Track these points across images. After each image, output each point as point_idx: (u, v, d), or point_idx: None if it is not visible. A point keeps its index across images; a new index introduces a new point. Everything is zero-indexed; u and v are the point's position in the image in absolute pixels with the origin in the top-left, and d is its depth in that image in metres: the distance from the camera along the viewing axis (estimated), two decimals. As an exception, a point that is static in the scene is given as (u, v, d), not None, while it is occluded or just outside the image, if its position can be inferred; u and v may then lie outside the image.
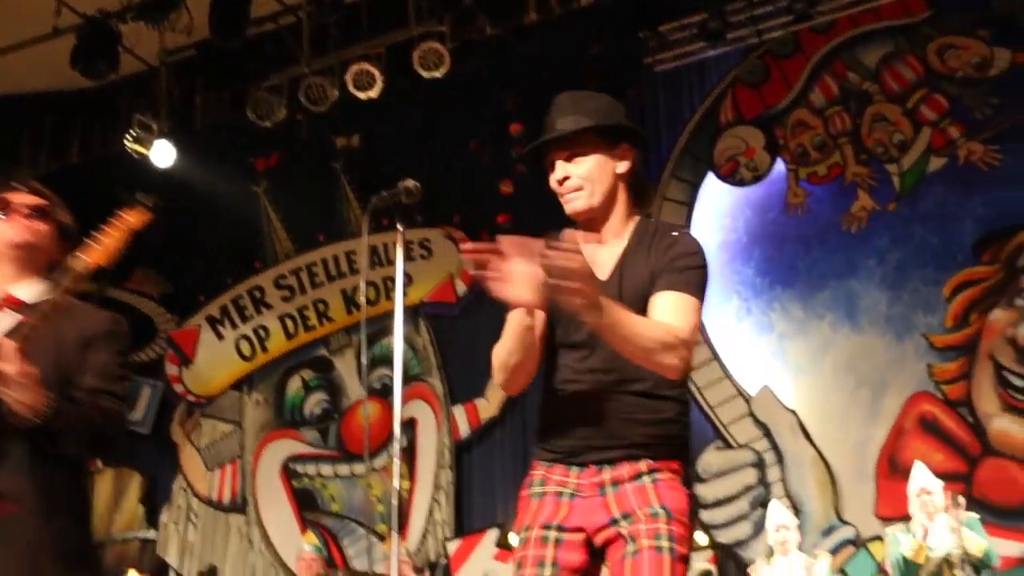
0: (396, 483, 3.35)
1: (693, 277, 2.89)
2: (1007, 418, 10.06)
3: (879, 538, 9.70)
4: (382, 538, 11.70)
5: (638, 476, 2.85)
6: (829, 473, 10.45)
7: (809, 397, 10.81)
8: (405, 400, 11.85)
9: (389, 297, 12.54)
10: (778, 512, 7.86)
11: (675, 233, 2.97)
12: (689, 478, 2.94)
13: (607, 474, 2.86)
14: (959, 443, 10.14)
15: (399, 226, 3.64)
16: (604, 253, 2.99)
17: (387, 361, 12.25)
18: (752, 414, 10.89)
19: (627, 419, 2.87)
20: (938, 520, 7.49)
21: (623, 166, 3.02)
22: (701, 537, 10.36)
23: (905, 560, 7.30)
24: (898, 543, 7.46)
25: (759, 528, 10.26)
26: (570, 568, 2.84)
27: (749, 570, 7.98)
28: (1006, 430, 10.05)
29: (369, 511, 12.09)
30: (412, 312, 12.35)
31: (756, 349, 11.19)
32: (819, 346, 10.94)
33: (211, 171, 12.24)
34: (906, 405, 10.41)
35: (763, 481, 10.66)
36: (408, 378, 12.20)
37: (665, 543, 2.77)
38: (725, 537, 10.62)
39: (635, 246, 2.98)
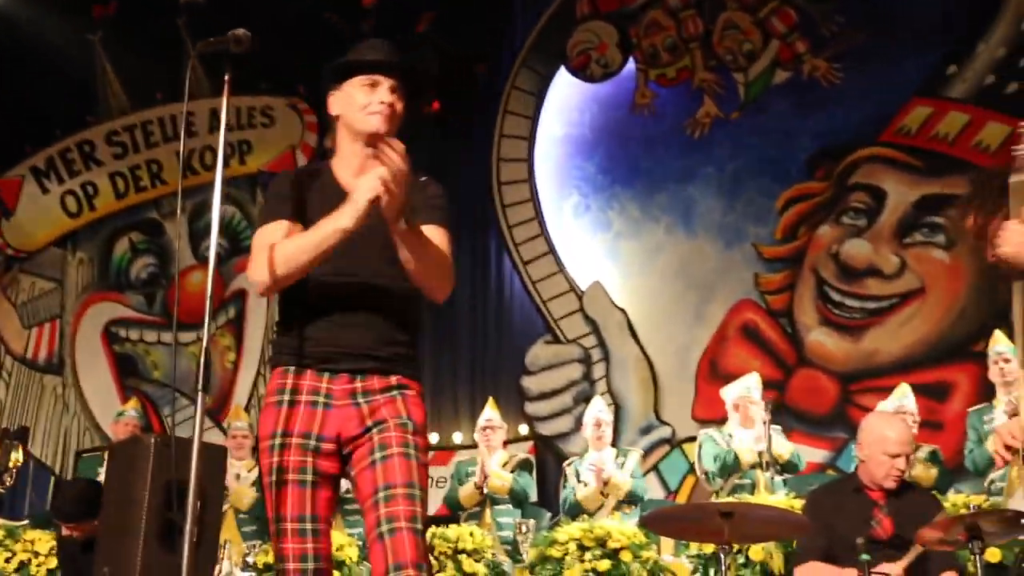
0: (206, 341, 2.93)
1: (447, 216, 2.96)
2: (823, 331, 9.62)
3: (693, 439, 9.07)
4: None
5: (388, 389, 2.83)
6: (652, 373, 9.92)
7: (639, 297, 10.14)
8: (237, 270, 11.16)
9: (227, 163, 11.32)
10: (598, 407, 7.34)
11: (424, 178, 2.97)
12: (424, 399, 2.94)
13: (359, 384, 2.82)
14: (777, 352, 9.71)
15: (226, 76, 2.99)
16: None
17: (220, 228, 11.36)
18: (583, 310, 10.24)
19: (379, 335, 2.84)
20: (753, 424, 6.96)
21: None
22: (524, 428, 9.93)
23: (719, 460, 6.79)
24: (712, 443, 6.91)
25: (581, 423, 9.73)
26: (327, 475, 2.80)
27: (565, 465, 7.34)
28: (821, 342, 9.62)
29: (193, 381, 10.81)
30: (250, 181, 11.30)
31: (591, 246, 10.38)
32: (653, 248, 10.19)
33: (43, 13, 10.64)
34: (730, 312, 9.87)
35: (588, 377, 10.09)
36: (240, 248, 11.06)
37: (412, 451, 2.77)
38: (547, 429, 10.04)
39: None
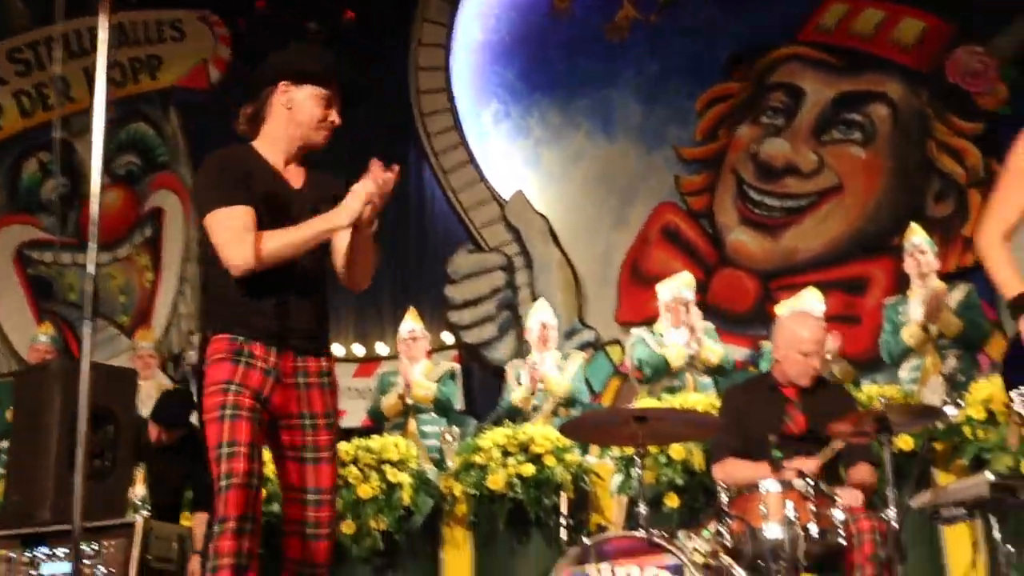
0: (91, 268, 2.99)
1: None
2: (743, 230, 9.63)
3: (617, 341, 9.36)
4: (123, 329, 10.38)
5: (320, 374, 3.04)
6: (575, 278, 9.87)
7: (561, 203, 10.02)
8: (152, 188, 10.85)
9: (138, 80, 10.96)
10: (543, 310, 7.30)
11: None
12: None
13: (300, 363, 3.00)
14: (698, 253, 9.70)
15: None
16: (295, 171, 3.16)
17: (133, 146, 10.99)
18: (504, 218, 10.11)
19: (317, 316, 3.04)
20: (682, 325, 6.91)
21: None
22: (448, 336, 9.88)
23: (648, 363, 6.78)
24: (642, 345, 6.90)
25: (505, 329, 9.82)
26: (259, 440, 2.92)
27: (508, 367, 7.32)
28: (741, 241, 9.64)
29: (111, 302, 10.63)
30: (162, 97, 10.93)
31: (512, 154, 10.19)
32: (573, 154, 10.03)
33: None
34: (652, 215, 9.79)
35: (511, 284, 10.02)
36: (155, 166, 10.78)
37: (335, 452, 3.04)
38: (471, 337, 9.97)
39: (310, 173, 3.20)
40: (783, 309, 6.15)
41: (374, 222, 2.98)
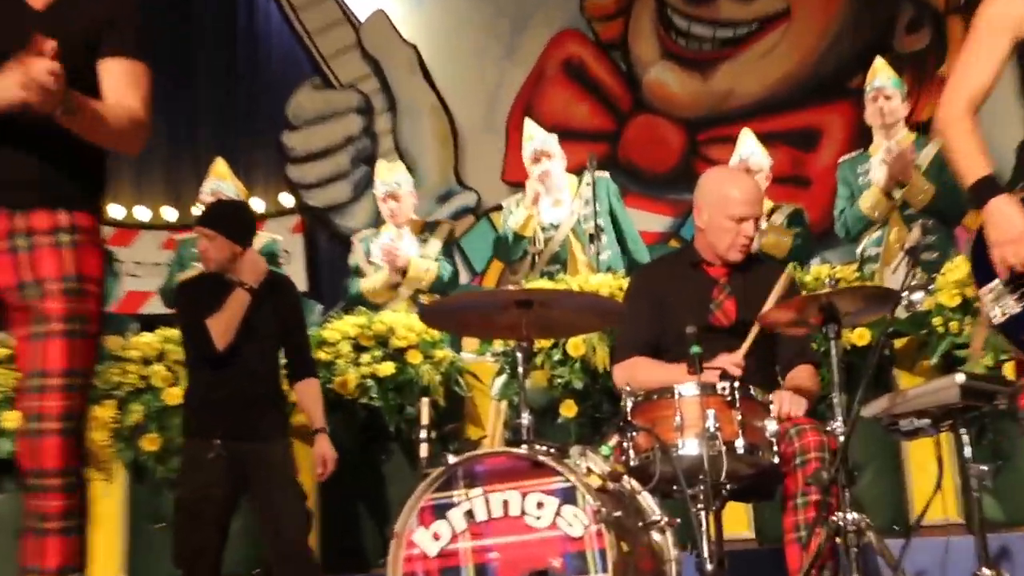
0: None
1: (140, 37, 3.06)
2: (665, 66, 9.73)
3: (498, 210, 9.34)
4: None
5: (56, 231, 2.94)
6: (451, 124, 9.97)
7: (434, 29, 10.04)
8: None
9: None
10: (392, 173, 7.15)
11: None
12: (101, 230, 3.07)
13: (19, 222, 2.92)
14: (608, 94, 9.79)
15: None
16: None
17: None
18: (361, 46, 10.11)
19: (47, 156, 2.93)
20: (557, 184, 6.92)
21: None
22: (286, 198, 9.84)
23: (513, 235, 6.83)
24: (509, 214, 6.97)
25: (361, 190, 9.78)
26: None
27: (355, 239, 7.29)
28: (663, 81, 9.74)
29: None
30: None
31: (370, -39, 10.05)
32: (451, -38, 9.96)
33: None
34: (550, 44, 9.89)
35: (369, 131, 10.10)
36: None
37: (78, 325, 2.93)
38: (317, 199, 10.03)
39: None
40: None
41: (57, 107, 2.78)
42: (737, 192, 4.15)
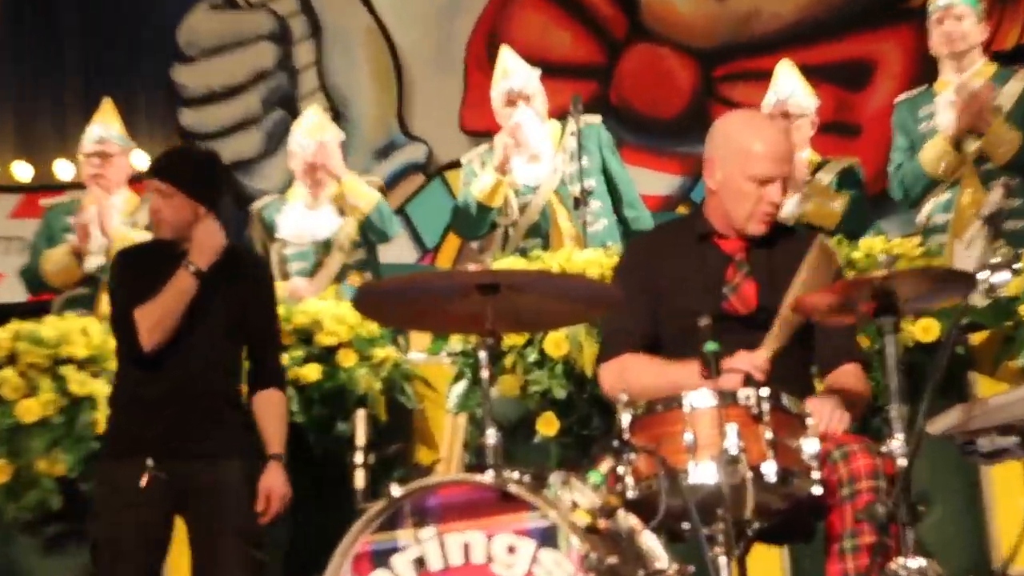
0: None
1: None
2: None
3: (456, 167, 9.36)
4: None
5: None
6: (393, 56, 10.10)
7: None
8: None
9: None
10: (313, 123, 7.18)
11: None
12: None
13: None
14: (597, 17, 9.91)
15: None
16: None
17: None
18: None
19: None
20: (534, 134, 6.98)
21: None
22: None
23: (477, 205, 6.98)
24: (472, 176, 7.07)
25: (276, 142, 9.82)
26: None
27: (255, 209, 7.45)
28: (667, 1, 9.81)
29: None
30: None
31: None
32: None
33: None
34: None
35: (286, 65, 10.23)
36: None
37: None
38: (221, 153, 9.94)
39: None
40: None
41: None
42: (761, 144, 4.13)
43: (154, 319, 4.57)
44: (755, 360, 3.81)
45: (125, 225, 7.01)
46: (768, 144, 4.13)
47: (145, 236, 6.90)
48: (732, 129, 4.27)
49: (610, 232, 6.77)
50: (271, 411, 4.81)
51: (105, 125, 7.20)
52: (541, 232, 6.88)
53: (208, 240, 4.66)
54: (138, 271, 4.77)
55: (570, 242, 6.57)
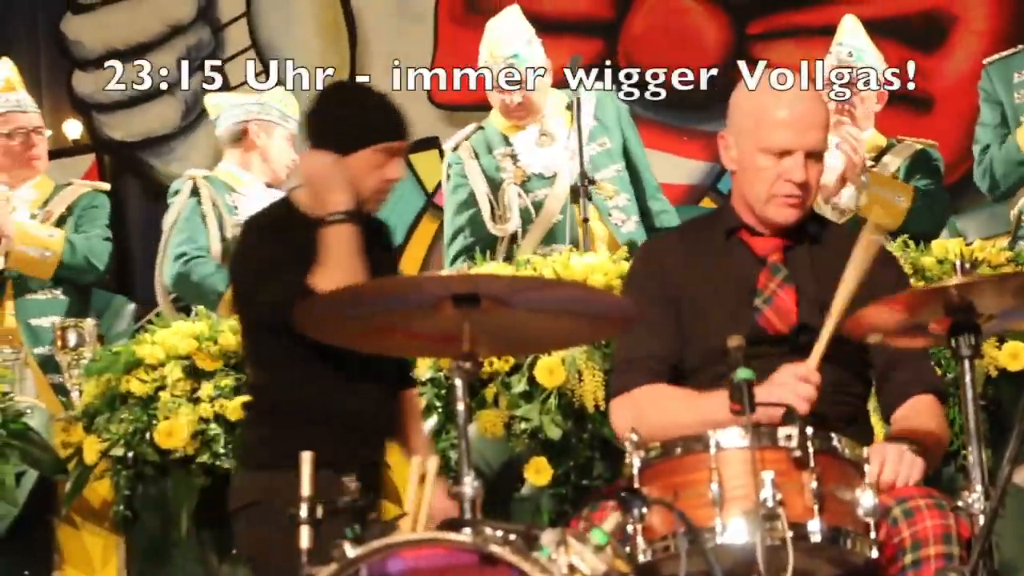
0: None
1: None
2: None
3: (431, 144, 9.53)
4: None
5: None
6: (344, 7, 10.27)
7: None
8: None
9: None
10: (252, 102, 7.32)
11: None
12: None
13: None
14: None
15: None
16: None
17: None
18: None
19: None
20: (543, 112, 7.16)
21: None
22: (73, 127, 9.69)
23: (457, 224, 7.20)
24: (461, 177, 7.25)
25: (196, 114, 10.00)
26: None
27: (172, 202, 7.65)
28: None
29: None
30: None
31: None
32: None
33: None
34: None
35: (207, 16, 10.39)
36: None
37: None
38: (123, 129, 10.39)
39: None
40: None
41: None
42: (781, 109, 4.14)
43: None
44: (798, 388, 3.79)
45: (32, 222, 7.11)
46: (787, 108, 4.16)
47: (51, 238, 7.01)
48: (744, 93, 4.34)
49: (640, 233, 6.79)
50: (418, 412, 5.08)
51: (5, 92, 7.29)
52: (563, 237, 6.89)
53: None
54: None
55: (605, 246, 6.61)
